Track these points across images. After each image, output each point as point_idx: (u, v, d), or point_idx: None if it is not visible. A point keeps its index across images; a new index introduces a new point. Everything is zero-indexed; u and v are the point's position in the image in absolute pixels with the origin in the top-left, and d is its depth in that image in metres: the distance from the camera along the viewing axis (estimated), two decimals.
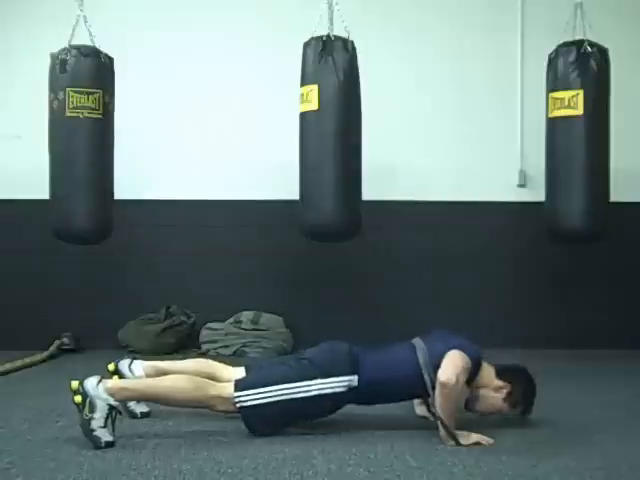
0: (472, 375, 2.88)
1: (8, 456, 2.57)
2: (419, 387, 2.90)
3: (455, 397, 2.77)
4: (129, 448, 2.66)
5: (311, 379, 2.86)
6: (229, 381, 2.92)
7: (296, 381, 2.85)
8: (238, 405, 2.83)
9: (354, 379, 2.89)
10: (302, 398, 2.84)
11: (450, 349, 2.84)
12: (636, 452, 2.72)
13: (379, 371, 2.91)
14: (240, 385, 2.86)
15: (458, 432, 2.78)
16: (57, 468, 2.44)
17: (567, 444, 2.79)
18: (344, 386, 2.87)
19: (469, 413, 3.01)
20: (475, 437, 2.78)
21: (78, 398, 2.68)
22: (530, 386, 3.02)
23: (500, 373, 2.99)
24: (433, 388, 2.84)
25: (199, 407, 2.92)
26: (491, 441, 2.79)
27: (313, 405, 2.87)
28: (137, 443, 2.74)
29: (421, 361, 2.89)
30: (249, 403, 2.83)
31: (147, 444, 2.73)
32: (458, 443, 2.75)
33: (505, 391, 2.96)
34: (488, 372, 2.98)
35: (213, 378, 2.99)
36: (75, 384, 2.71)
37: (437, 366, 2.81)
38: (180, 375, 2.96)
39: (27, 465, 2.48)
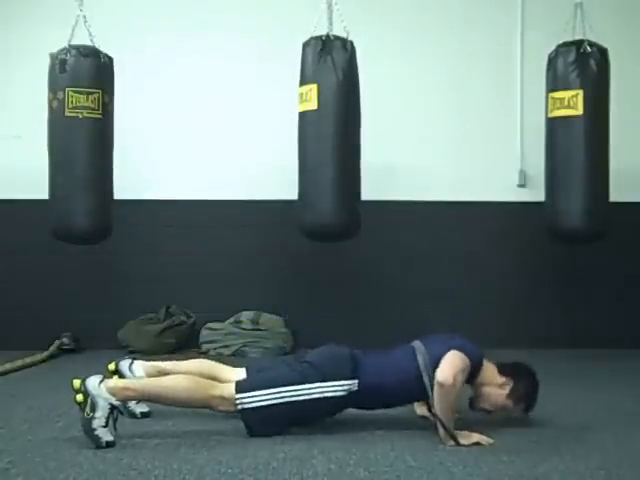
0: (473, 374, 2.89)
1: (8, 456, 2.57)
2: (418, 390, 2.90)
3: (453, 397, 2.77)
4: (129, 448, 2.66)
5: (312, 382, 2.86)
6: (230, 382, 2.92)
7: (297, 384, 2.86)
8: (239, 407, 2.83)
9: (354, 383, 2.89)
10: (303, 401, 2.84)
11: (450, 350, 2.84)
12: (636, 452, 2.72)
13: (379, 376, 2.91)
14: (241, 386, 2.86)
15: (458, 432, 2.78)
16: (57, 468, 2.44)
17: (567, 444, 2.79)
18: (344, 390, 2.88)
19: (471, 413, 3.01)
20: (475, 437, 2.78)
21: (80, 397, 2.67)
22: (533, 381, 3.01)
23: (502, 370, 2.99)
24: (432, 390, 2.84)
25: (200, 407, 2.92)
26: (491, 441, 2.78)
27: (313, 408, 2.87)
28: (137, 443, 2.73)
29: (421, 364, 2.89)
30: (250, 405, 2.82)
31: (147, 444, 2.72)
32: (458, 443, 2.75)
33: (508, 387, 2.96)
34: (490, 370, 2.99)
35: (215, 379, 2.98)
36: (77, 383, 2.70)
37: (437, 368, 2.81)
38: (181, 375, 2.96)
39: (27, 465, 2.48)
